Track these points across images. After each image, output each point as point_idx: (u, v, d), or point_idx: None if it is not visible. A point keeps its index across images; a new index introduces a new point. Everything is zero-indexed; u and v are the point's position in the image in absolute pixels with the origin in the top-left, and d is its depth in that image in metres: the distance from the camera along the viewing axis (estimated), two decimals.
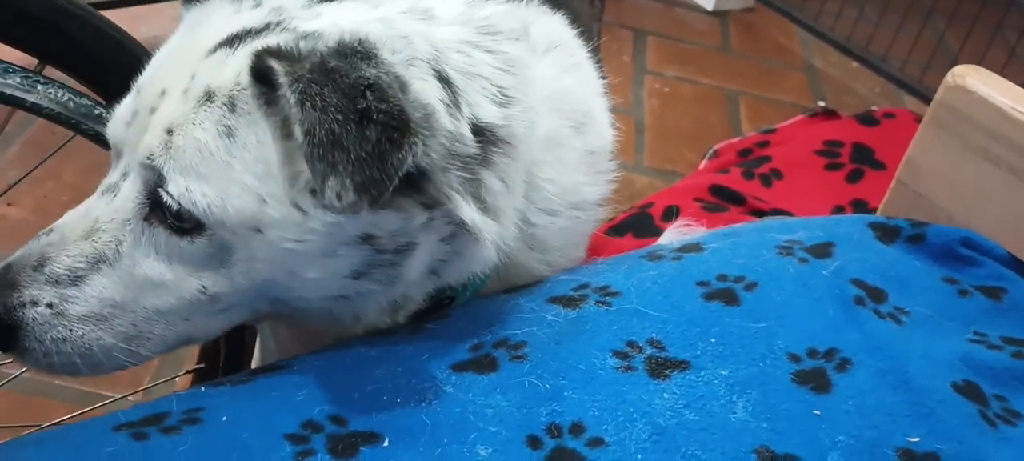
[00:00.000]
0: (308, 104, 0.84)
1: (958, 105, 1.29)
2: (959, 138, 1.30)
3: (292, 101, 0.85)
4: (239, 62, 0.93)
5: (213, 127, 0.91)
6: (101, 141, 1.17)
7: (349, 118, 0.84)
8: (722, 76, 3.53)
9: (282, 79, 0.87)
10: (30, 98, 1.09)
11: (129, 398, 1.59)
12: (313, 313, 1.03)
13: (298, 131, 0.85)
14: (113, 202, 0.96)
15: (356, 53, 0.90)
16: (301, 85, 0.85)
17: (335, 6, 1.00)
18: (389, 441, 0.90)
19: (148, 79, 0.99)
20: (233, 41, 0.95)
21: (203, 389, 0.99)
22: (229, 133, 0.91)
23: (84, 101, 1.14)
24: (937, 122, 1.32)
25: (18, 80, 1.08)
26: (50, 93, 1.10)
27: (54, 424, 1.37)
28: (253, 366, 1.42)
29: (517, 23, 1.07)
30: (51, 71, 1.20)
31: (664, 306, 1.09)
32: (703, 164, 2.76)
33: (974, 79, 1.28)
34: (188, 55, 0.96)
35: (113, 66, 1.20)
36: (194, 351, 1.58)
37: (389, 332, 1.07)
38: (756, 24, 3.94)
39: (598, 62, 1.27)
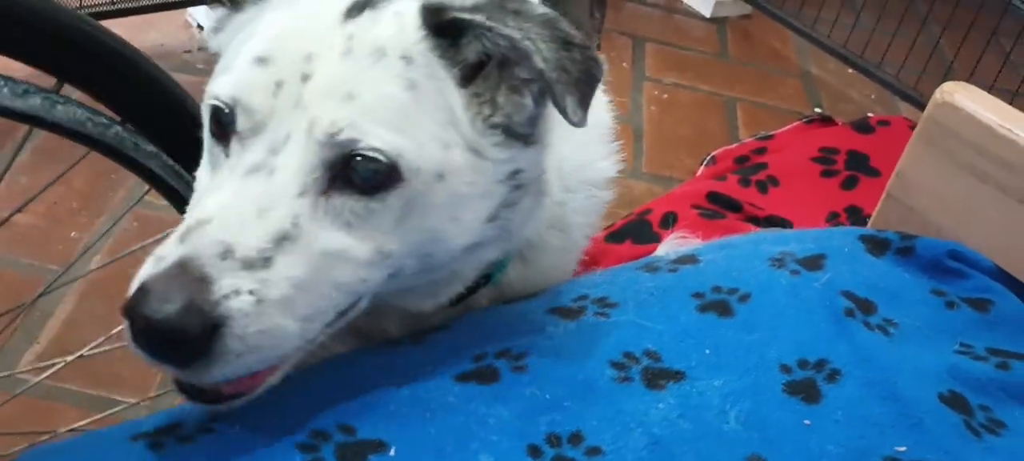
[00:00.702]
0: (531, 39, 0.94)
1: (947, 121, 1.31)
2: (948, 154, 1.31)
3: (517, 38, 0.94)
4: (393, 21, 0.97)
5: (397, 80, 0.94)
6: (116, 155, 1.21)
7: (561, 45, 0.94)
8: (720, 83, 3.56)
9: (490, 24, 0.95)
10: (51, 118, 1.12)
11: (140, 403, 1.62)
12: (441, 268, 1.03)
13: (537, 60, 0.93)
14: (274, 178, 0.91)
15: None
16: (515, 24, 0.95)
17: None
18: (395, 450, 0.93)
19: (276, 48, 0.94)
20: (364, 6, 0.97)
21: None
22: (412, 85, 0.95)
23: (101, 119, 1.18)
24: (926, 137, 1.34)
25: (39, 101, 1.11)
26: (70, 112, 1.14)
27: (70, 430, 1.41)
28: None
29: None
30: (62, 88, 1.23)
31: (660, 317, 1.12)
32: (701, 171, 2.78)
33: (962, 96, 1.30)
34: (317, 23, 0.96)
35: (129, 81, 1.23)
36: None
37: (395, 344, 1.10)
38: (753, 31, 3.96)
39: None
